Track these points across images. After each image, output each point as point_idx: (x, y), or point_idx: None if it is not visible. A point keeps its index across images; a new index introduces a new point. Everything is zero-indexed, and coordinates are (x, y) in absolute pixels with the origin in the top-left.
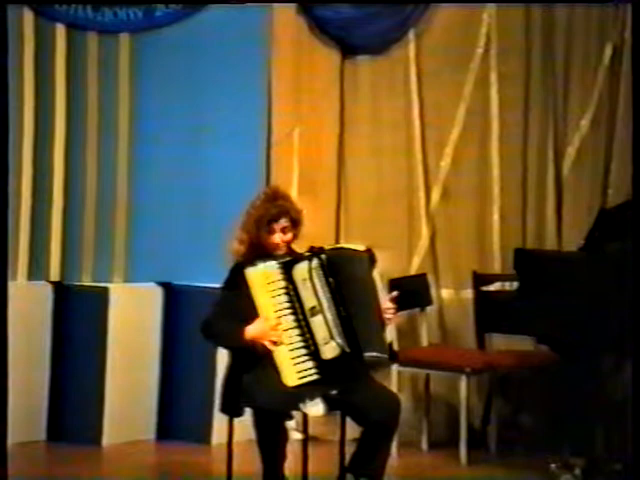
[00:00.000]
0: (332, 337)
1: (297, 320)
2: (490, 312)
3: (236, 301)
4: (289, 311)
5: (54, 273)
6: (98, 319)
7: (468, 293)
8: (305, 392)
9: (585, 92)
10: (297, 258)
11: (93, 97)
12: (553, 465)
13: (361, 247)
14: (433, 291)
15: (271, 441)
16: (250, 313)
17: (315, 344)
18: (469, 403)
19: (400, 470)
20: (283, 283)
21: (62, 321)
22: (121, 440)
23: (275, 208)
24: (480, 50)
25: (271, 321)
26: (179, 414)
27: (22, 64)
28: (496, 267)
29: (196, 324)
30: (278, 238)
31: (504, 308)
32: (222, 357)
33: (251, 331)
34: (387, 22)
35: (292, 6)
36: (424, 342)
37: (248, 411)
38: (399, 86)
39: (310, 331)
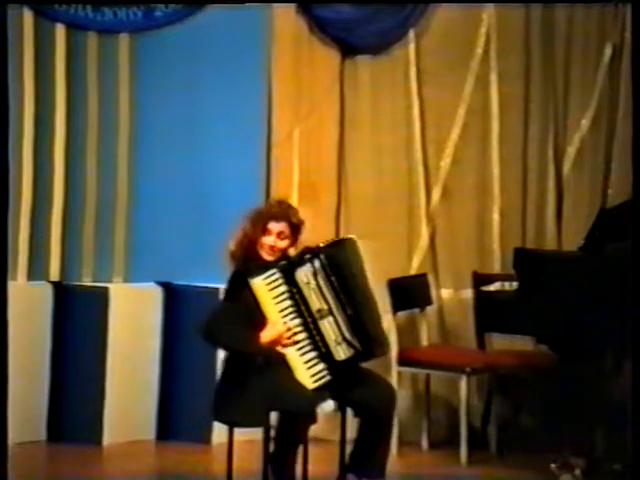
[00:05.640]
0: (344, 338)
1: (305, 324)
2: (490, 312)
3: (241, 309)
4: (296, 315)
5: (54, 273)
6: (98, 319)
7: (468, 293)
8: (323, 391)
9: (585, 92)
10: (296, 261)
11: (93, 97)
12: (553, 465)
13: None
14: (433, 291)
15: (295, 443)
16: (257, 320)
17: (326, 346)
18: (469, 403)
19: (400, 469)
20: (286, 288)
21: (62, 321)
22: (121, 440)
23: (277, 209)
24: (480, 50)
25: (281, 326)
26: (179, 414)
27: (22, 64)
28: (496, 267)
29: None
30: (272, 241)
31: (504, 308)
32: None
33: (265, 337)
34: (387, 22)
35: (292, 6)
36: (424, 342)
37: None
38: (399, 86)
39: (320, 333)
